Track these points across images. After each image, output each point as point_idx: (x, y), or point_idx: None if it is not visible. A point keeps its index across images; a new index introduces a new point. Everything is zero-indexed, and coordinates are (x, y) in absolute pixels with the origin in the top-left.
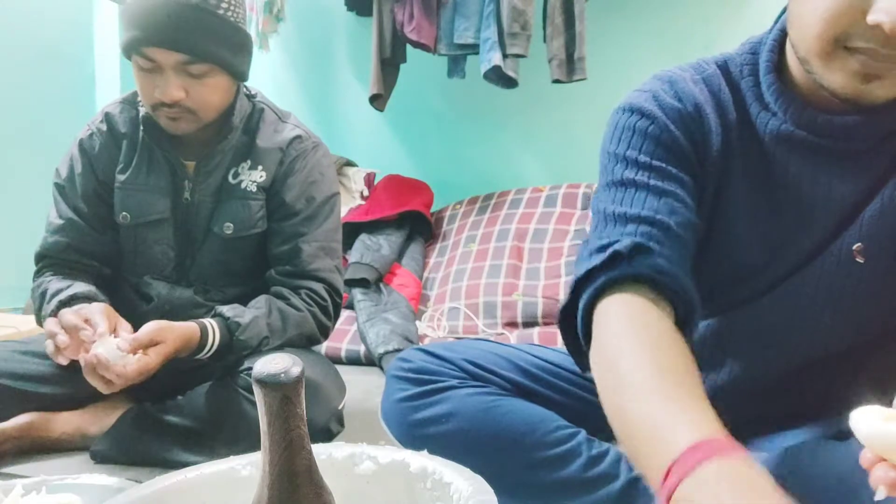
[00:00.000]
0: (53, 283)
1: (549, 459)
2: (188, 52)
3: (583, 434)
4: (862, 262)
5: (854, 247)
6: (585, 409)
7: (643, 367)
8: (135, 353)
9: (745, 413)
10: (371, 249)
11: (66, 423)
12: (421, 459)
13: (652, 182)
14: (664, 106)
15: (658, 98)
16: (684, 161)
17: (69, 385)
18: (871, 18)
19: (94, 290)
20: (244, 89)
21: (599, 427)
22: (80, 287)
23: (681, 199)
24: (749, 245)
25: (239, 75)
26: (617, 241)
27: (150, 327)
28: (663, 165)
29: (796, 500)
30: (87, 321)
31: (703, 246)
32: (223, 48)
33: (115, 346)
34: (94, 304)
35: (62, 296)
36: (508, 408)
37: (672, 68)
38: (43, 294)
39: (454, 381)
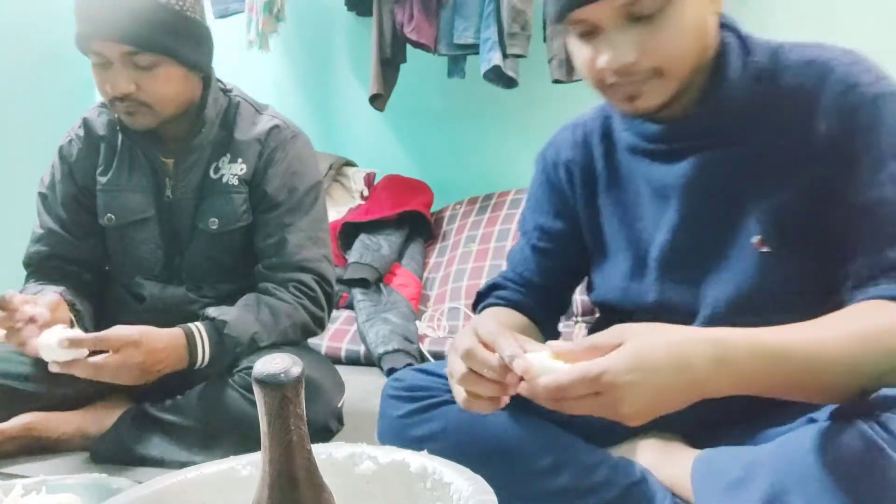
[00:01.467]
0: (27, 290)
1: (545, 470)
2: (130, 42)
3: (579, 442)
4: (769, 250)
5: (753, 240)
6: (580, 417)
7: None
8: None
9: (690, 416)
10: (371, 249)
11: (66, 423)
12: (421, 459)
13: (531, 241)
14: (546, 157)
15: (544, 153)
16: (559, 204)
17: (69, 385)
18: (597, 66)
19: (62, 291)
20: (219, 84)
21: (594, 434)
22: (55, 289)
23: (549, 252)
24: (619, 249)
25: (194, 66)
26: (491, 282)
27: (115, 331)
28: (541, 221)
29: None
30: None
31: (599, 263)
32: (168, 38)
33: (56, 339)
34: (44, 295)
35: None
36: (503, 420)
37: (580, 115)
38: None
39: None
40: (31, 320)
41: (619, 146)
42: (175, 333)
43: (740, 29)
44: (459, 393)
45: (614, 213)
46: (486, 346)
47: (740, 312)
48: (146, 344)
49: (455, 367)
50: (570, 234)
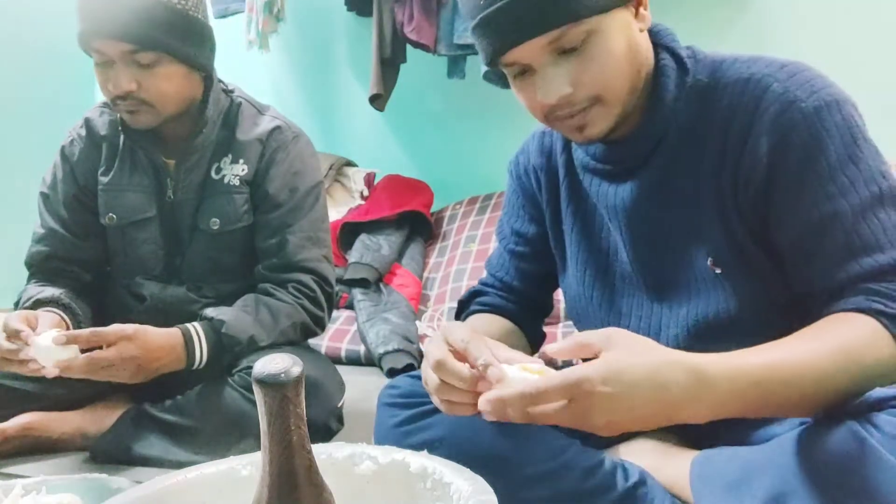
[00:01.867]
0: (28, 291)
1: (543, 474)
2: (131, 40)
3: (576, 445)
4: (721, 271)
5: (708, 261)
6: None
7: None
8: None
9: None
10: (371, 249)
11: (66, 423)
12: (421, 459)
13: (508, 246)
14: (518, 166)
15: (517, 159)
16: (533, 209)
17: (69, 385)
18: (539, 102)
19: (60, 293)
20: (221, 84)
21: (592, 436)
22: (48, 292)
23: (527, 256)
24: (579, 260)
25: (195, 65)
26: (472, 289)
27: (110, 327)
28: (517, 226)
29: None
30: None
31: (562, 272)
32: (169, 36)
33: (50, 338)
34: (40, 312)
35: (28, 303)
36: (498, 426)
37: None
38: (17, 303)
39: None
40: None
41: (576, 161)
42: (172, 333)
43: (678, 47)
44: (437, 401)
45: (574, 223)
46: (457, 354)
47: (702, 333)
48: (140, 338)
49: (428, 376)
50: (545, 238)
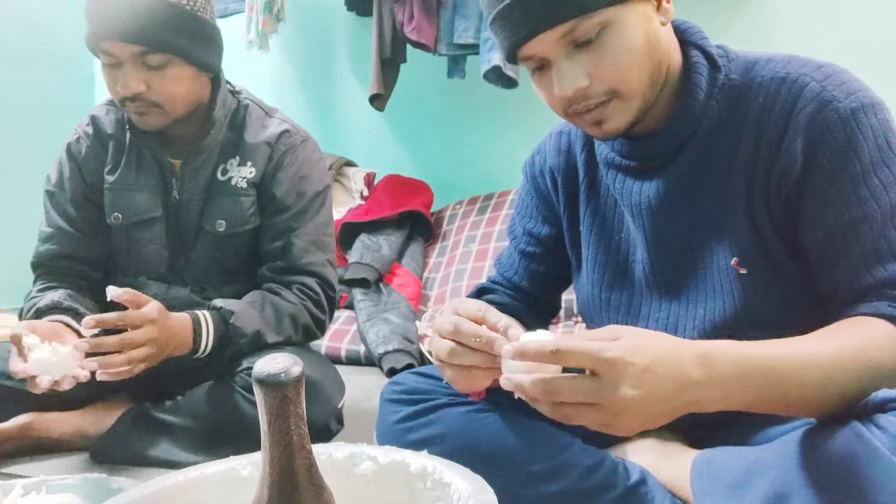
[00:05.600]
0: (31, 297)
1: (545, 472)
2: (141, 42)
3: (578, 443)
4: (745, 271)
5: (732, 261)
6: None
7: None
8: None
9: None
10: (371, 249)
11: (65, 423)
12: (421, 459)
13: (520, 246)
14: (534, 166)
15: (532, 159)
16: (546, 210)
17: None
18: (556, 95)
19: (61, 297)
20: (228, 86)
21: (593, 435)
22: (46, 298)
23: (538, 257)
24: (596, 260)
25: (204, 66)
26: (480, 286)
27: (138, 312)
28: (530, 226)
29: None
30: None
31: (576, 271)
32: (179, 38)
33: (48, 351)
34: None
35: (30, 313)
36: (501, 423)
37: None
38: (29, 305)
39: (445, 399)
40: None
41: (599, 157)
42: (182, 317)
43: (708, 45)
44: (448, 373)
45: (593, 223)
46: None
47: (718, 335)
48: (162, 321)
49: (439, 346)
50: (557, 239)
